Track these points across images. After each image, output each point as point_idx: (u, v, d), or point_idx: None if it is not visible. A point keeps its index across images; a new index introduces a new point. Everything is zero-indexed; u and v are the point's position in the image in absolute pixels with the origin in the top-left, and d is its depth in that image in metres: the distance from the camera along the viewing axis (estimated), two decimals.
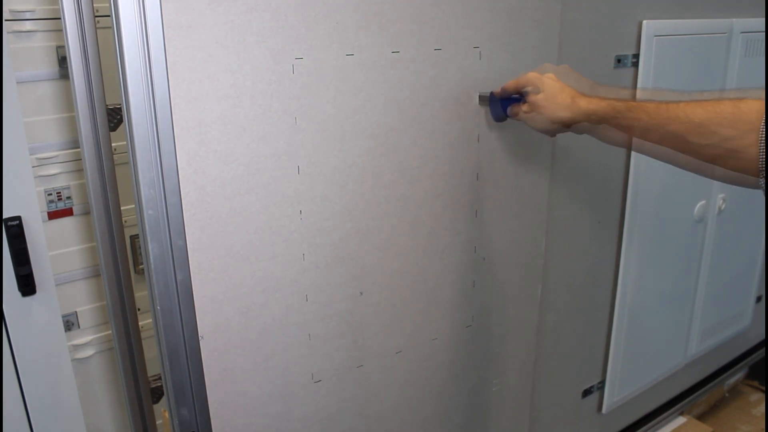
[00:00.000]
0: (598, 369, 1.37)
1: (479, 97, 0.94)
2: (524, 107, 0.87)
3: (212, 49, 0.69)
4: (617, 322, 1.33)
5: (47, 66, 0.97)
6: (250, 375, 0.83)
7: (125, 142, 0.69)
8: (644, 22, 1.15)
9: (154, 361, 0.81)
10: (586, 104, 0.81)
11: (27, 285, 0.92)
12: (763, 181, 0.65)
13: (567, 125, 0.85)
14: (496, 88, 0.92)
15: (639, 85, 1.17)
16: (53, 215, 1.03)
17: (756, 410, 1.84)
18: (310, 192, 0.81)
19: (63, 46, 0.79)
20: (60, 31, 0.76)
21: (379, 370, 0.96)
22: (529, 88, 0.86)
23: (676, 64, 1.23)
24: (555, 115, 0.84)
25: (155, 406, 0.94)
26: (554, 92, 0.84)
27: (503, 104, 0.92)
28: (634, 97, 0.83)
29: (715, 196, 1.46)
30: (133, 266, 1.11)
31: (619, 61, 1.14)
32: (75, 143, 1.00)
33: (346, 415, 0.94)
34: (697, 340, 1.58)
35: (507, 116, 0.92)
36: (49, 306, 0.96)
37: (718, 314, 1.62)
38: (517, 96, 0.90)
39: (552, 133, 0.88)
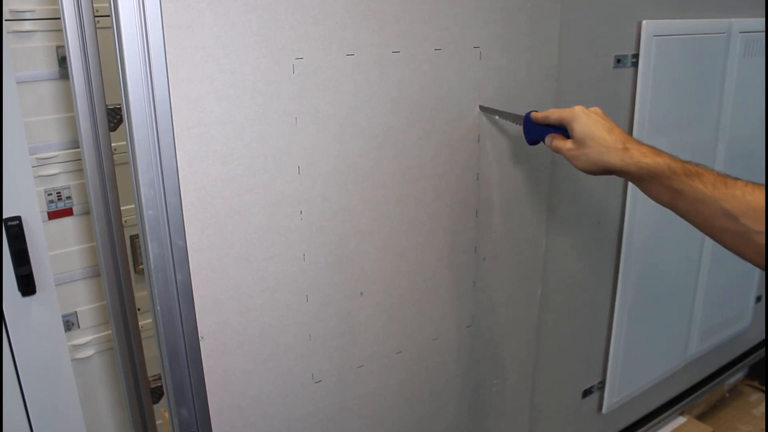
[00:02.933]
0: (598, 369, 1.37)
1: (480, 107, 0.94)
2: (569, 143, 0.80)
3: (212, 49, 0.69)
4: (617, 322, 1.33)
5: (47, 66, 0.97)
6: (250, 375, 0.83)
7: (125, 142, 0.69)
8: (643, 22, 1.15)
9: (154, 361, 0.81)
10: (640, 156, 0.75)
11: (27, 285, 0.92)
12: None
13: (614, 172, 0.78)
14: (535, 111, 0.87)
15: (639, 85, 1.17)
16: (53, 215, 1.03)
17: (756, 410, 1.84)
18: (310, 192, 0.81)
19: (63, 46, 0.79)
20: (60, 31, 0.76)
21: (379, 370, 0.96)
22: (576, 125, 0.79)
23: (675, 64, 1.23)
24: (603, 158, 0.77)
25: (155, 406, 0.94)
26: (603, 133, 0.77)
27: (542, 131, 0.86)
28: (686, 161, 0.75)
29: None
30: (133, 266, 1.11)
31: (618, 61, 1.14)
32: (75, 143, 1.00)
33: (346, 415, 0.95)
34: (697, 340, 1.58)
35: (541, 143, 0.87)
36: (49, 306, 0.96)
37: (718, 314, 1.62)
38: (557, 126, 0.84)
39: (595, 174, 0.81)
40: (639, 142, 0.77)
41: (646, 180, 0.75)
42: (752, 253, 0.68)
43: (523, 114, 0.89)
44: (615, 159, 0.76)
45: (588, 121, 0.78)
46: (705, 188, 0.70)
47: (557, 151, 0.83)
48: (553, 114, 0.83)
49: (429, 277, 0.97)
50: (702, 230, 0.73)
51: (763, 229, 0.65)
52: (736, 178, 0.69)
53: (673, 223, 1.43)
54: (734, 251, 0.70)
